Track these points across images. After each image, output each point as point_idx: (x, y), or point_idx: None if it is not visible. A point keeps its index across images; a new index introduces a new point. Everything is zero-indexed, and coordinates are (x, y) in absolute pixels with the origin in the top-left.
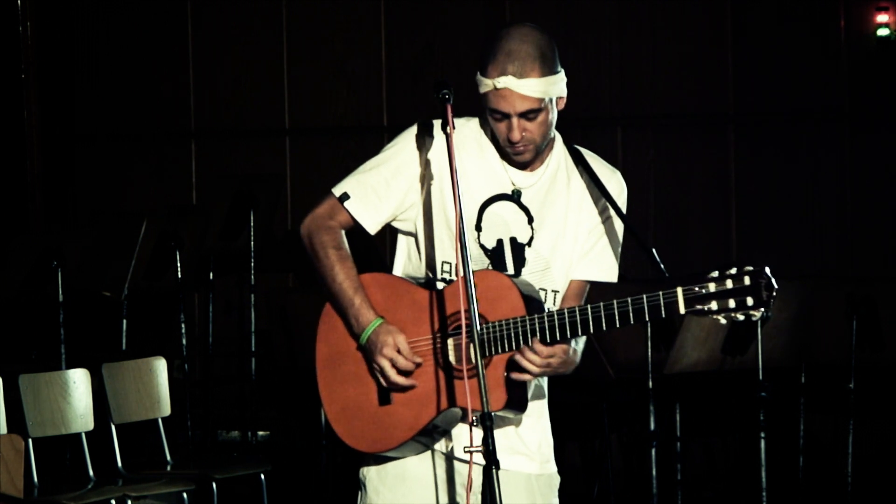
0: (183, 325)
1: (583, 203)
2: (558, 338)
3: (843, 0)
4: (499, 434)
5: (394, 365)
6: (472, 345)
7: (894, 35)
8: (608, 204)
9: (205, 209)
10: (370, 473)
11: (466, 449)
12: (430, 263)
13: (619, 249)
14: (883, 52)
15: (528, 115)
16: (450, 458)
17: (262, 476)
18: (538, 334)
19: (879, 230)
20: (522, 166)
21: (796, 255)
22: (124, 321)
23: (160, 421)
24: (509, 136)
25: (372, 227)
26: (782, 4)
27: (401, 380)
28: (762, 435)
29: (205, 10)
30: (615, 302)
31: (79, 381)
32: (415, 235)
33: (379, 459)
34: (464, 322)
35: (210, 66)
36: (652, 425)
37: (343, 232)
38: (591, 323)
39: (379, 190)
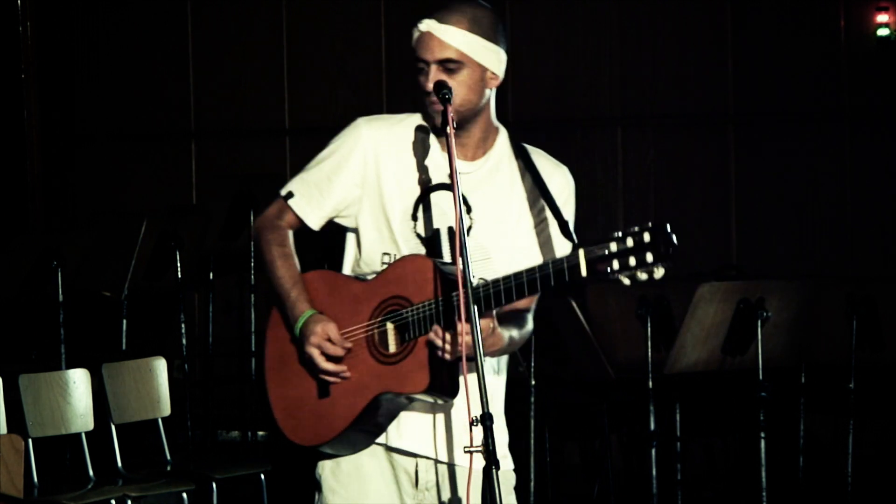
0: (183, 325)
1: (528, 199)
2: (474, 312)
3: (843, 0)
4: (432, 424)
5: (322, 352)
6: (473, 331)
7: (894, 35)
8: (545, 202)
9: (205, 209)
10: (325, 473)
11: (466, 449)
12: (372, 257)
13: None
14: (883, 52)
15: (447, 66)
16: (405, 453)
17: (262, 476)
18: (456, 312)
19: (879, 230)
20: (462, 156)
21: (796, 255)
22: (124, 321)
23: (160, 421)
24: (424, 86)
25: (314, 223)
26: (782, 4)
27: (330, 367)
28: (762, 435)
29: (205, 10)
30: (524, 271)
31: (79, 381)
32: (356, 230)
33: (332, 456)
34: (464, 316)
35: (210, 66)
36: (652, 425)
37: (290, 231)
38: (503, 294)
39: (321, 186)
